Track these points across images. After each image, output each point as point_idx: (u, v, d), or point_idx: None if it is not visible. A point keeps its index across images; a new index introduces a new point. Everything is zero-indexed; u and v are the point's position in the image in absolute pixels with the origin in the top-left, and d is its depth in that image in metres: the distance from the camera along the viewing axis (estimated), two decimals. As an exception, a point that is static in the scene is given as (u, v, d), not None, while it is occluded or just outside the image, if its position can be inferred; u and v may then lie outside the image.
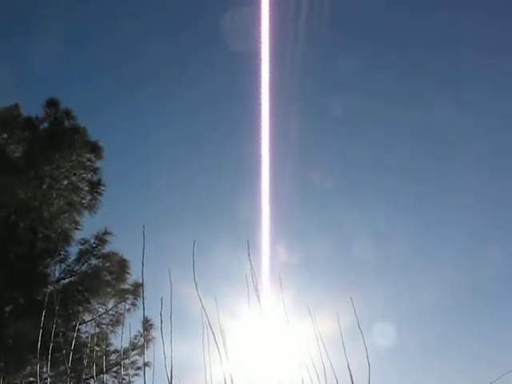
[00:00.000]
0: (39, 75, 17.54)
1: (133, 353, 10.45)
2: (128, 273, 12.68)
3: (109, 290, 12.63)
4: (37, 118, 12.99)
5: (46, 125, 13.07)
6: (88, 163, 13.39)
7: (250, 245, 5.36)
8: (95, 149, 13.36)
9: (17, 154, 12.16)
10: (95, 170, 13.49)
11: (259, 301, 5.13)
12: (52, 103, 13.16)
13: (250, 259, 5.32)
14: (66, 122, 13.12)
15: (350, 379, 5.05)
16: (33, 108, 13.22)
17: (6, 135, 12.33)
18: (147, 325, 9.00)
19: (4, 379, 5.32)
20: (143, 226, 5.54)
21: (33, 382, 7.02)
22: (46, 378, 5.28)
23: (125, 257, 12.80)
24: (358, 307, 5.58)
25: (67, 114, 13.18)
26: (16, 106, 12.66)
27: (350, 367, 5.16)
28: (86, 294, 12.23)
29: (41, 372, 5.38)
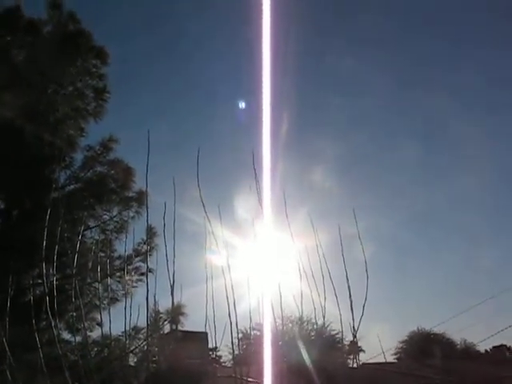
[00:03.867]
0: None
1: (136, 259, 10.77)
2: (133, 181, 12.77)
3: (113, 197, 12.79)
4: (40, 20, 12.59)
5: (49, 28, 12.70)
6: (93, 69, 13.13)
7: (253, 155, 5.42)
8: (101, 54, 13.05)
9: (20, 58, 11.89)
10: (101, 77, 13.26)
11: (261, 208, 5.23)
12: (55, 5, 12.70)
13: (254, 168, 5.38)
14: (71, 26, 12.73)
15: (347, 289, 5.27)
16: (35, 9, 12.77)
17: (8, 38, 12.00)
18: (151, 232, 9.18)
19: (13, 279, 5.52)
20: (148, 132, 5.58)
21: (40, 283, 7.28)
22: (53, 281, 5.47)
23: (129, 165, 12.88)
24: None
25: (71, 17, 12.75)
26: (17, 8, 12.20)
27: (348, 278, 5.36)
28: (90, 200, 12.40)
29: (48, 274, 5.57)
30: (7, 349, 4.75)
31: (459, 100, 30.11)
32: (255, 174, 5.34)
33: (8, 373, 4.71)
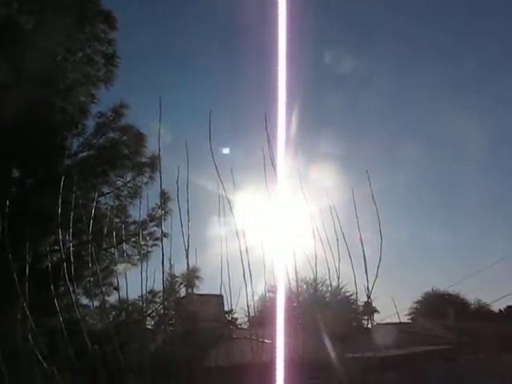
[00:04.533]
0: None
1: (151, 224, 10.85)
2: (145, 146, 12.81)
3: (126, 162, 12.85)
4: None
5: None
6: (102, 35, 13.03)
7: (266, 118, 5.37)
8: (109, 19, 12.93)
9: (29, 26, 11.81)
10: (110, 42, 13.16)
11: (275, 171, 5.21)
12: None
13: (267, 131, 5.34)
14: (78, -10, 12.58)
15: (362, 252, 5.28)
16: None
17: (16, 5, 11.89)
18: (164, 197, 9.22)
19: (30, 246, 5.59)
20: (159, 98, 5.54)
21: (57, 250, 7.37)
22: (69, 247, 5.54)
23: (141, 130, 12.89)
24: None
25: (78, -19, 12.59)
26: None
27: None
28: (104, 166, 12.47)
29: (64, 240, 5.63)
30: (28, 314, 4.85)
31: (461, 96, 29.67)
32: (268, 137, 5.31)
33: (30, 337, 4.81)
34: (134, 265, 8.99)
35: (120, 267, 7.61)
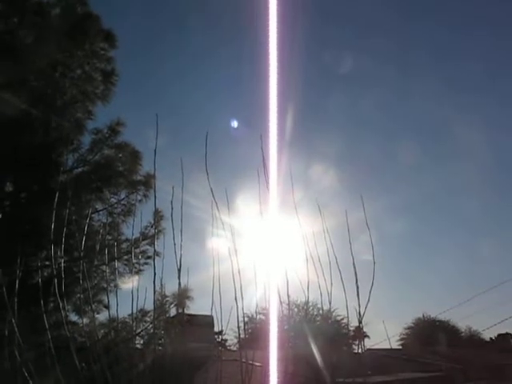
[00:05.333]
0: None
1: (143, 242, 10.82)
2: (140, 164, 12.84)
3: (121, 180, 12.84)
4: (48, 2, 12.54)
5: (57, 11, 12.65)
6: (101, 52, 13.12)
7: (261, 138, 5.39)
8: (109, 37, 13.04)
9: (28, 41, 11.87)
10: (109, 60, 13.26)
11: (268, 192, 5.22)
12: (63, -13, 12.66)
13: (262, 153, 5.35)
14: (79, 9, 12.68)
15: (354, 275, 5.27)
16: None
17: (15, 19, 11.96)
18: (158, 216, 9.21)
19: (21, 261, 5.55)
20: (156, 115, 5.56)
21: (48, 265, 7.32)
22: (61, 263, 5.50)
23: (137, 148, 12.92)
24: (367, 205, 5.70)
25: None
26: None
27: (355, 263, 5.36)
28: (98, 183, 12.44)
29: (55, 256, 5.60)
30: (16, 330, 4.79)
31: (458, 91, 29.98)
32: (263, 158, 5.32)
33: (17, 354, 4.75)
34: (125, 283, 8.95)
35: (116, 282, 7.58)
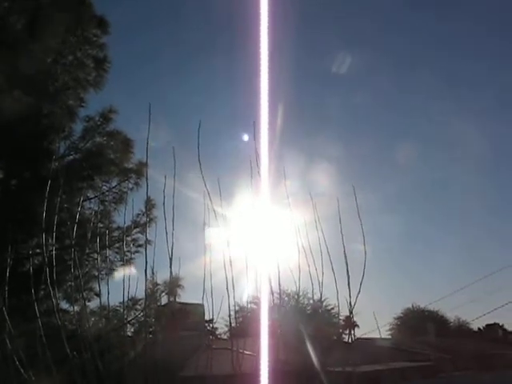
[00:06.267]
0: None
1: (135, 230, 10.79)
2: (132, 152, 12.79)
3: (112, 168, 12.78)
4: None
5: (49, -5, 12.51)
6: (94, 38, 13.01)
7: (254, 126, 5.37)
8: (101, 23, 12.92)
9: (19, 27, 11.74)
10: (101, 46, 13.14)
11: (261, 181, 5.21)
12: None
13: (254, 144, 5.34)
14: (71, -6, 12.56)
15: (345, 265, 5.30)
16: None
17: (6, 4, 11.81)
18: (150, 204, 9.19)
19: (12, 249, 5.53)
20: (149, 105, 5.54)
21: (39, 253, 7.30)
22: (52, 251, 5.49)
23: (129, 136, 12.87)
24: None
25: (72, -16, 12.58)
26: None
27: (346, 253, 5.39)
28: (90, 171, 12.39)
29: (47, 244, 5.59)
30: (7, 318, 4.79)
31: (457, 95, 30.13)
32: (255, 147, 5.31)
33: (8, 341, 4.75)
34: (116, 271, 8.95)
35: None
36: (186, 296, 10.36)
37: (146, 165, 5.79)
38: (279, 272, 5.24)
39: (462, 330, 41.93)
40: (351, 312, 5.22)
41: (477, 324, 43.20)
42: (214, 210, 5.35)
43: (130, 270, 5.59)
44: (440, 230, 45.16)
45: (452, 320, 44.25)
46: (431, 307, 40.87)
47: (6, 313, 4.80)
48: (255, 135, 5.25)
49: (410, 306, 43.47)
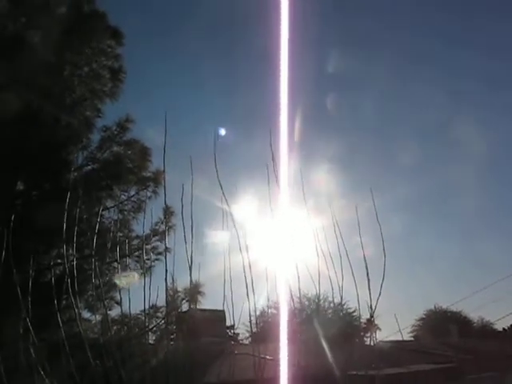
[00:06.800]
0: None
1: (154, 238, 10.84)
2: (149, 160, 12.87)
3: (130, 177, 12.87)
4: (54, 1, 12.55)
5: (64, 9, 12.67)
6: (109, 49, 13.15)
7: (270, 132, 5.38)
8: (116, 35, 13.07)
9: (35, 40, 11.91)
10: (116, 57, 13.29)
11: (279, 186, 5.22)
12: (70, -14, 12.68)
13: (271, 149, 5.35)
14: (85, 7, 12.72)
15: (365, 268, 5.27)
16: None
17: (23, 19, 12.00)
18: (168, 211, 9.23)
19: (34, 260, 5.60)
20: (165, 113, 5.59)
21: (60, 263, 7.39)
22: (73, 261, 5.55)
23: (146, 145, 12.96)
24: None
25: (86, -3, 12.75)
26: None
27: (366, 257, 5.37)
28: (108, 180, 12.49)
29: (67, 254, 5.65)
30: (30, 328, 4.85)
31: (457, 94, 29.78)
32: (272, 153, 5.33)
33: (32, 351, 4.81)
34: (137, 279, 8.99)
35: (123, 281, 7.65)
36: (206, 302, 10.39)
37: (163, 173, 5.83)
38: (299, 276, 5.23)
39: (486, 330, 41.36)
40: (372, 315, 5.20)
41: (501, 324, 42.57)
42: (232, 215, 5.37)
43: (150, 278, 5.62)
44: (461, 228, 44.59)
45: (475, 320, 43.67)
46: (454, 308, 40.39)
47: (29, 323, 4.86)
48: (272, 142, 5.27)
49: (433, 306, 43.00)
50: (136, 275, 8.22)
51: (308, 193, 5.75)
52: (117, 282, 6.62)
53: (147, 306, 5.51)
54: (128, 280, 6.46)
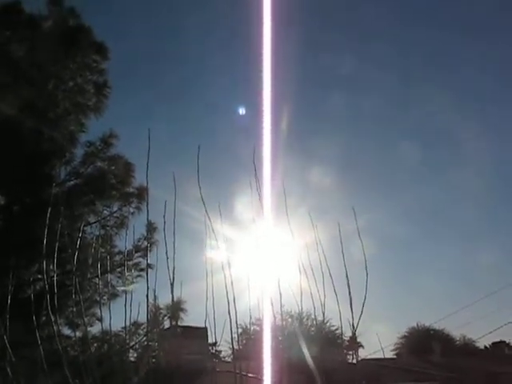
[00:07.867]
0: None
1: (136, 255, 10.78)
2: (132, 176, 12.84)
3: (113, 192, 12.82)
4: (40, 15, 12.56)
5: (49, 23, 12.67)
6: (94, 64, 13.15)
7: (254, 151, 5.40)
8: (101, 49, 13.08)
9: (20, 54, 11.87)
10: (101, 72, 13.28)
11: (262, 204, 5.23)
12: (55, 0, 12.69)
13: (254, 165, 5.36)
14: (71, 21, 12.72)
15: (347, 286, 5.27)
16: (35, 5, 12.71)
17: (8, 33, 11.96)
18: (151, 228, 9.19)
19: (14, 275, 5.52)
20: (148, 130, 5.58)
21: (40, 279, 7.29)
22: (53, 276, 5.48)
23: (129, 160, 12.93)
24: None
25: (71, 12, 12.75)
26: (17, 3, 12.15)
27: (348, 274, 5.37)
28: (91, 196, 12.42)
29: (48, 270, 5.57)
30: (7, 345, 4.76)
31: (458, 96, 30.16)
32: (255, 171, 5.33)
33: (8, 369, 4.72)
34: (118, 295, 8.91)
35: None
36: (188, 319, 10.31)
37: (146, 189, 5.81)
38: (281, 294, 5.21)
39: (468, 348, 41.54)
40: (354, 334, 5.18)
41: (483, 342, 42.75)
42: (214, 231, 5.34)
43: (132, 294, 5.56)
44: (446, 247, 44.92)
45: (458, 338, 43.87)
46: (436, 326, 40.57)
47: (6, 340, 4.77)
48: (254, 159, 5.28)
49: (415, 324, 43.14)
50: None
51: (295, 203, 5.77)
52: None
53: (128, 323, 5.45)
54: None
